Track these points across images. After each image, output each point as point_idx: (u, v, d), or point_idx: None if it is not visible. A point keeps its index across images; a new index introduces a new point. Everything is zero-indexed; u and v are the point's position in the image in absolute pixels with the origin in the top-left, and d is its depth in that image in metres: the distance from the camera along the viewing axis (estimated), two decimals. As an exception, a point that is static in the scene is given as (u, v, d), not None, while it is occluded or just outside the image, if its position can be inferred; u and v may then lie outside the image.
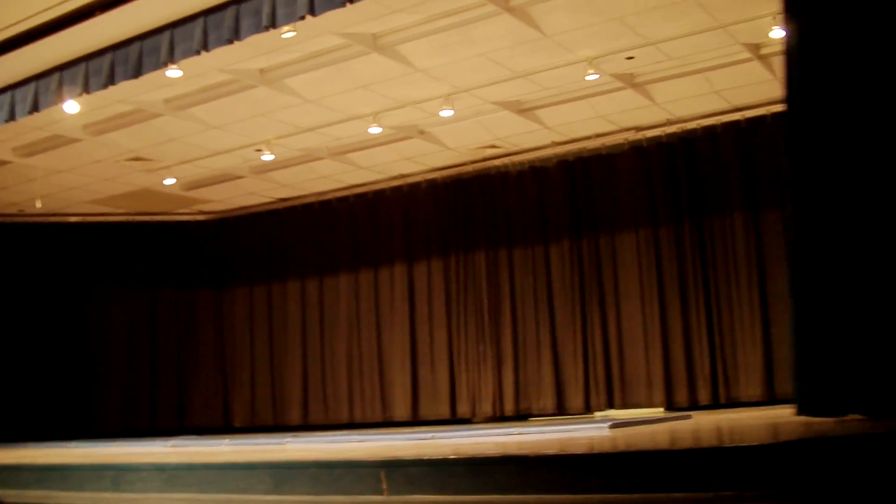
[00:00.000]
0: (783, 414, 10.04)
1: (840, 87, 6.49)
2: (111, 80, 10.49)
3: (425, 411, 16.38)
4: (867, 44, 6.41)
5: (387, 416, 16.76)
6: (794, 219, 6.72)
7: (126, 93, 12.09)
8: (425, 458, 5.63)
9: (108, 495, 7.09)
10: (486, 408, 15.74)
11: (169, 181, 15.97)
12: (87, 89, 10.76)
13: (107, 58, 10.49)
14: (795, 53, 6.92)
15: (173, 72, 11.11)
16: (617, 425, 8.68)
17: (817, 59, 6.67)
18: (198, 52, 9.91)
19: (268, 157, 14.87)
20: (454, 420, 15.94)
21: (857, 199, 6.34)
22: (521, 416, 15.38)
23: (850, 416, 6.19)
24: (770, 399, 13.47)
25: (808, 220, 6.60)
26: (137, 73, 10.33)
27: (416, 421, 16.29)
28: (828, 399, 6.34)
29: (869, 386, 6.15)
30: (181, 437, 14.36)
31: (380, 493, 5.59)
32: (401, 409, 16.59)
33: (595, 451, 5.31)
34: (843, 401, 6.26)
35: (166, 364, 18.51)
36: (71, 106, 11.80)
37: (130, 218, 18.31)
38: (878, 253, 6.22)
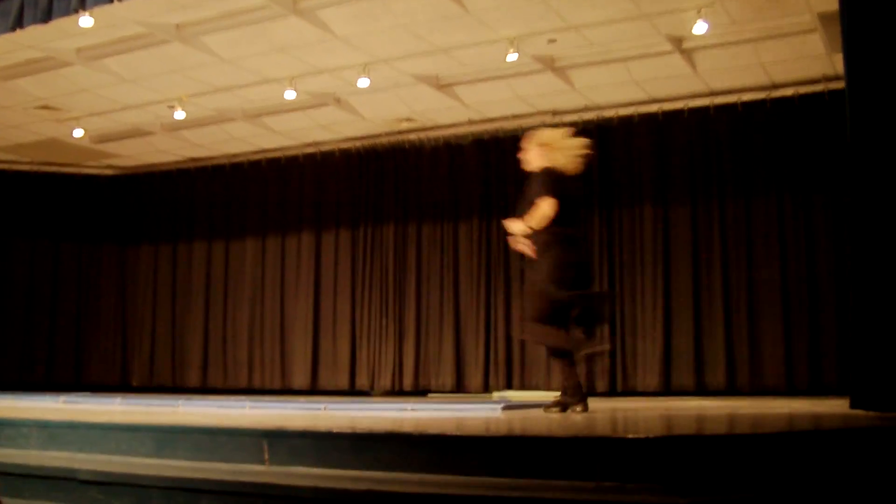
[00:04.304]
0: (679, 406, 10.14)
1: None
2: (19, 24, 10.18)
3: (324, 382, 16.28)
4: None
5: (286, 384, 16.63)
6: (856, 207, 6.58)
7: (36, 38, 11.77)
8: (309, 430, 5.58)
9: (-16, 449, 6.93)
10: (385, 382, 15.70)
11: (78, 133, 15.57)
12: (-7, 32, 10.50)
13: (16, 0, 10.22)
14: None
15: (85, 20, 10.81)
16: (509, 407, 8.69)
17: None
18: (111, 1, 9.68)
19: (180, 114, 14.56)
20: (353, 392, 15.88)
21: None
22: (420, 392, 15.37)
23: None
24: (666, 390, 13.59)
25: (873, 209, 6.49)
26: (47, 17, 10.02)
27: (314, 390, 16.21)
28: (882, 393, 6.31)
29: None
30: (75, 393, 14.15)
31: (262, 462, 5.53)
32: (300, 379, 16.48)
33: (481, 433, 5.29)
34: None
35: (65, 319, 18.14)
36: (-23, 49, 11.50)
37: (37, 168, 17.90)
38: None
